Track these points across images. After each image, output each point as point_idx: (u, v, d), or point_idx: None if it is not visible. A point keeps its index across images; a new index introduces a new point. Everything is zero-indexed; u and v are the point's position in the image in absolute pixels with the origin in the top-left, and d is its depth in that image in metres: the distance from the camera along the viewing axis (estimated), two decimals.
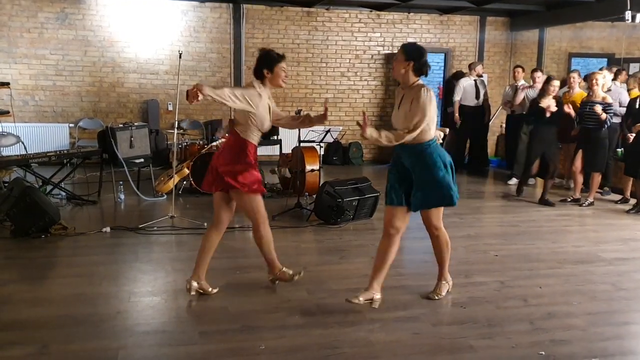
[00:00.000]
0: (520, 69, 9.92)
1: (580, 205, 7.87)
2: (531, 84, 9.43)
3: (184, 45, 10.60)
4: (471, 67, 10.68)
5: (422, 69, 3.99)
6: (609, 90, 8.05)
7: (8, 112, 8.02)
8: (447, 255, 4.42)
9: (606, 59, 12.89)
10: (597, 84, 7.62)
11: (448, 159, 4.12)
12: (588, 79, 8.07)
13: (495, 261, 5.44)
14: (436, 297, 4.39)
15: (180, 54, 6.61)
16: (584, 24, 12.07)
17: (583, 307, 4.35)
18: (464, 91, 10.46)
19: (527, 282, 4.86)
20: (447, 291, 4.46)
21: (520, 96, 9.41)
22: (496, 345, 3.67)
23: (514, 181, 9.44)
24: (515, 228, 6.79)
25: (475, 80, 10.51)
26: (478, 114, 10.59)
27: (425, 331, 3.84)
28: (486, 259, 5.50)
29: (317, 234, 6.31)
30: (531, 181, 9.53)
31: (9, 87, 8.25)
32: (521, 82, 9.76)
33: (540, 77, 9.26)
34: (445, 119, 11.30)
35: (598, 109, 7.44)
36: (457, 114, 10.49)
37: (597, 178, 7.87)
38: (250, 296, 4.37)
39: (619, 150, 8.55)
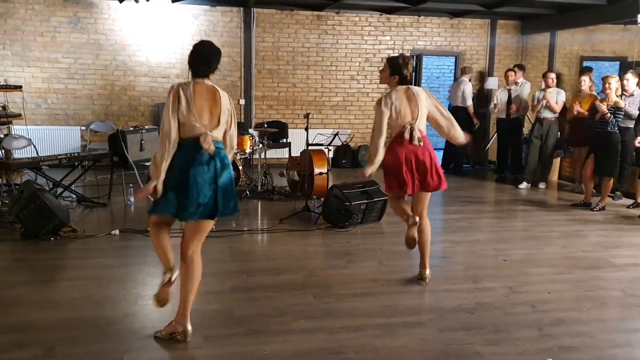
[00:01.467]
0: (512, 72, 9.90)
1: (592, 209, 7.80)
2: (543, 87, 9.37)
3: None
4: (465, 70, 10.88)
5: (192, 68, 3.70)
6: (631, 94, 7.75)
7: (20, 115, 8.08)
8: (192, 289, 3.66)
9: (618, 62, 12.81)
10: (611, 88, 7.55)
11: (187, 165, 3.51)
12: (602, 82, 7.98)
13: (504, 266, 5.40)
14: (158, 335, 3.69)
15: None
16: (595, 27, 11.98)
17: (592, 314, 4.31)
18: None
19: (536, 288, 4.82)
20: (177, 337, 3.64)
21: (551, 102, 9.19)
22: (503, 351, 3.64)
23: (524, 185, 9.39)
24: (525, 233, 6.75)
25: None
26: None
27: (432, 337, 3.82)
28: (495, 264, 5.47)
29: (324, 237, 6.29)
30: (542, 185, 9.48)
31: (21, 90, 8.32)
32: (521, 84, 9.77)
33: (554, 79, 9.19)
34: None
35: (602, 107, 7.41)
36: (475, 118, 10.65)
37: (608, 182, 7.80)
38: (256, 300, 4.37)
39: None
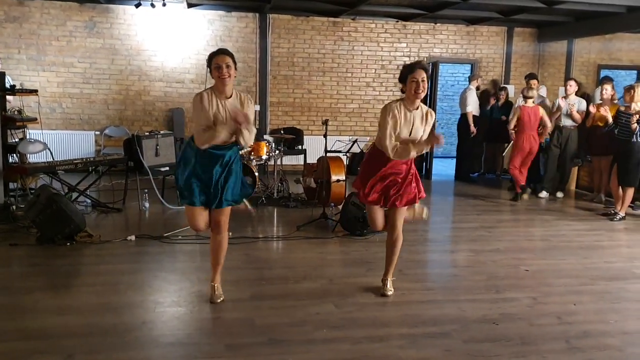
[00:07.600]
0: (535, 81, 9.68)
1: (612, 219, 7.69)
2: (564, 94, 9.25)
3: None
4: (471, 78, 11.20)
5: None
6: None
7: (35, 119, 8.05)
8: None
9: (636, 71, 12.68)
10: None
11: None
12: (626, 91, 7.86)
13: (526, 276, 5.30)
14: None
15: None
16: (613, 35, 11.88)
17: (619, 326, 4.20)
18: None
19: (561, 299, 4.72)
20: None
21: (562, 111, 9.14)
22: None
23: (544, 194, 9.27)
24: (545, 242, 6.64)
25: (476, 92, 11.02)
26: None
27: (456, 348, 3.72)
28: (517, 274, 5.37)
29: (342, 245, 6.21)
30: (560, 194, 9.37)
31: (37, 95, 8.33)
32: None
33: (572, 86, 9.04)
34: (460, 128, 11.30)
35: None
36: (472, 125, 10.73)
37: (629, 192, 7.68)
38: (277, 308, 4.30)
39: None
